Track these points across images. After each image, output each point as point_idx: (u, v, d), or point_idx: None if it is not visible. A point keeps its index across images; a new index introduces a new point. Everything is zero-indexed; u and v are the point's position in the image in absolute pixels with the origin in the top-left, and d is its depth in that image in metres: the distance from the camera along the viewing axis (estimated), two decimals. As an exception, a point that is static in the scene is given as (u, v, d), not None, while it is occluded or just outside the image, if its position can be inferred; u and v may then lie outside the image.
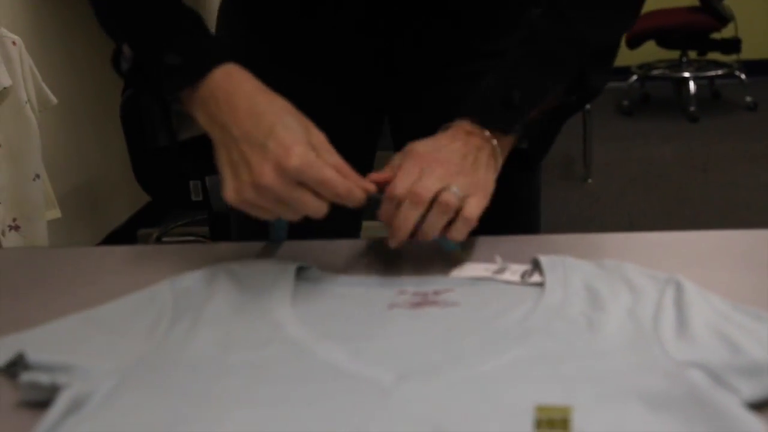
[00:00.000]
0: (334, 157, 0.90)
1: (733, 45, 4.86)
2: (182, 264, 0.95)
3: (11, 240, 2.47)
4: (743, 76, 5.10)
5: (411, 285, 0.89)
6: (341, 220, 1.13)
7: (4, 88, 2.38)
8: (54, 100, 2.60)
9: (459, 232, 0.89)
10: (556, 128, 1.07)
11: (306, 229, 0.95)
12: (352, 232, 1.30)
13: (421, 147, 0.96)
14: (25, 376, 0.71)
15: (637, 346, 0.74)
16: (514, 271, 0.90)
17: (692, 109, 4.88)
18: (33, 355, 0.73)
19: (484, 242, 1.00)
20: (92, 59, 3.18)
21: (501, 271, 0.91)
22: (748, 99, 5.02)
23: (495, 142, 0.98)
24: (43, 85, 2.56)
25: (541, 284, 0.87)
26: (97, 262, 1.05)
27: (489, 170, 0.96)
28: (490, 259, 0.93)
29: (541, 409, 0.64)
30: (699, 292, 0.82)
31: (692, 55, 5.08)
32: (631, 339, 0.75)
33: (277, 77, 1.16)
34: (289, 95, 1.16)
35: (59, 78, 2.84)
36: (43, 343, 0.78)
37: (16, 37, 2.45)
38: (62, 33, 3.01)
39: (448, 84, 1.18)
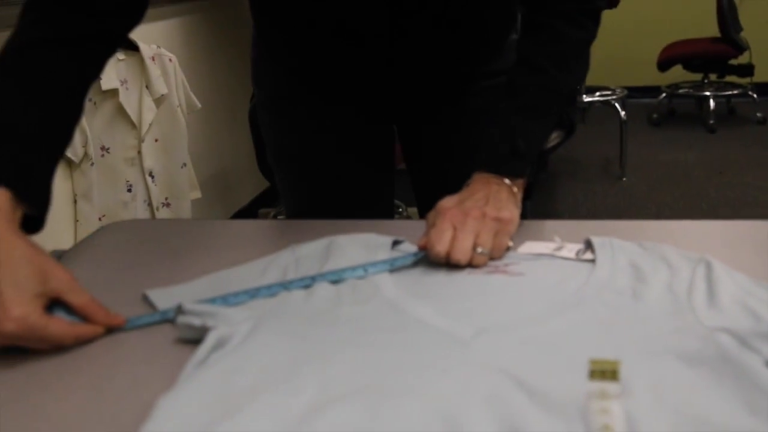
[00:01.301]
0: (79, 296, 0.75)
1: (747, 70, 4.80)
2: (291, 236, 0.96)
3: (163, 214, 2.53)
4: (755, 96, 5.02)
5: None
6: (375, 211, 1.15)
7: (161, 95, 2.43)
8: (198, 105, 2.65)
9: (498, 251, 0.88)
10: (545, 163, 1.05)
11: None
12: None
13: (449, 203, 0.91)
14: (181, 319, 0.73)
15: (674, 314, 0.73)
16: (570, 249, 0.89)
17: (711, 122, 4.82)
18: (188, 305, 0.75)
19: (544, 225, 0.99)
20: (229, 74, 3.23)
21: (559, 248, 0.90)
22: (759, 115, 4.96)
23: (508, 181, 0.96)
24: (191, 93, 2.61)
25: (592, 261, 0.85)
26: (230, 232, 1.06)
27: (510, 205, 0.94)
28: (550, 239, 0.92)
29: (594, 362, 0.63)
30: (725, 269, 0.80)
31: (712, 77, 5.03)
32: (669, 308, 0.75)
33: (306, 102, 1.17)
34: (317, 116, 1.17)
35: (203, 88, 2.89)
36: (194, 295, 0.80)
37: (171, 55, 2.50)
38: (207, 52, 3.07)
39: (454, 100, 1.16)
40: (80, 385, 0.67)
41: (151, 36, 2.64)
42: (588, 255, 0.87)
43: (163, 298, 0.81)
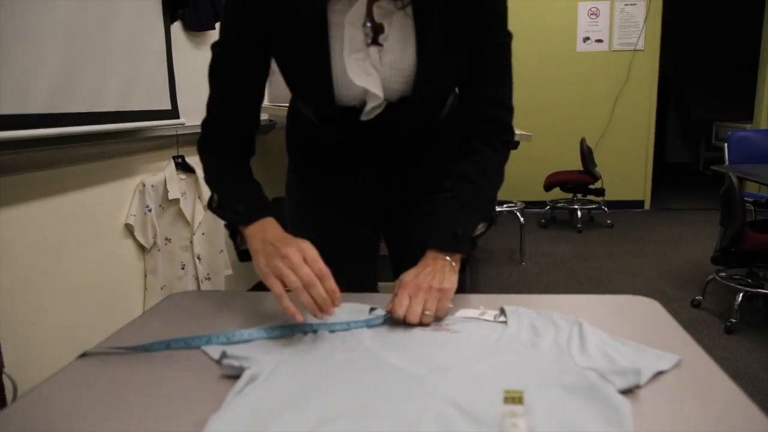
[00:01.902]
0: (319, 264, 0.83)
1: (600, 192, 4.89)
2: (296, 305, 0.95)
3: (205, 285, 2.49)
4: (606, 209, 5.08)
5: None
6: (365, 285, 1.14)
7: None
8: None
9: (441, 312, 0.87)
10: (475, 245, 1.03)
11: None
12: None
13: (407, 277, 0.91)
14: (225, 362, 0.73)
15: (559, 358, 0.74)
16: (490, 314, 0.90)
17: (579, 225, 4.85)
18: (229, 351, 0.74)
19: (470, 298, 0.99)
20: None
21: (483, 313, 0.90)
22: (609, 221, 4.99)
23: (449, 258, 0.95)
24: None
25: (505, 322, 0.86)
26: (253, 301, 1.03)
27: (451, 276, 0.93)
28: (476, 307, 0.92)
29: (506, 391, 0.63)
30: (591, 328, 0.81)
31: (579, 196, 5.07)
32: (555, 354, 0.75)
33: (316, 213, 1.18)
34: (321, 221, 1.17)
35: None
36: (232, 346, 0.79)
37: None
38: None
39: (422, 209, 1.15)
40: (152, 408, 0.66)
41: (203, 163, 2.68)
42: (502, 318, 0.88)
43: (213, 347, 0.79)
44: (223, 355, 0.74)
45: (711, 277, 3.10)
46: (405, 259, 0.97)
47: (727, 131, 4.16)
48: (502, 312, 0.89)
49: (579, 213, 4.98)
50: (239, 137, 1.04)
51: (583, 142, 4.83)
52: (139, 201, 2.13)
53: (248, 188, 1.00)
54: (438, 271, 0.92)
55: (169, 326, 0.89)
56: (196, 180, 2.40)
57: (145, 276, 2.22)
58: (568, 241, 4.53)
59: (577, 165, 4.92)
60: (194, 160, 2.48)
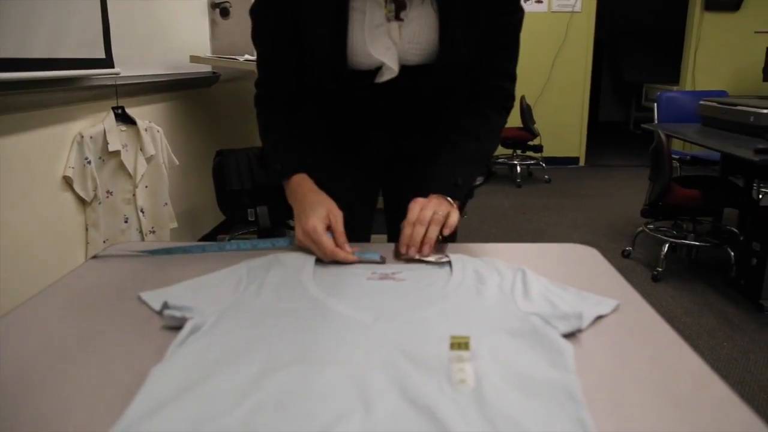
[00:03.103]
0: (338, 226, 0.91)
1: (539, 148, 4.97)
2: (241, 256, 0.92)
3: (149, 239, 2.40)
4: (544, 165, 5.18)
5: (378, 269, 0.86)
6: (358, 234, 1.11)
7: (151, 155, 2.32)
8: (177, 162, 2.55)
9: (448, 232, 0.92)
10: (471, 195, 1.11)
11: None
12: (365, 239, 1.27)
13: (415, 200, 0.96)
14: (167, 312, 0.69)
15: (503, 304, 0.73)
16: (433, 257, 0.89)
17: (518, 180, 4.93)
18: (171, 302, 0.70)
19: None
20: (197, 141, 3.14)
21: (426, 255, 0.90)
22: (546, 177, 5.08)
23: (450, 200, 0.99)
24: (171, 154, 2.51)
25: (448, 263, 0.86)
26: (201, 255, 0.99)
27: (453, 210, 0.97)
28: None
29: (453, 337, 0.62)
30: (534, 274, 0.81)
31: (518, 152, 5.14)
32: (498, 300, 0.74)
33: (327, 158, 1.17)
34: (334, 168, 1.16)
35: (180, 150, 2.78)
36: (175, 296, 0.75)
37: (159, 128, 2.40)
38: (183, 126, 2.96)
39: (422, 161, 1.15)
40: (92, 360, 0.62)
41: (144, 114, 2.54)
42: (444, 259, 0.87)
43: (153, 298, 0.75)
44: (165, 305, 0.69)
45: (640, 229, 3.21)
46: (400, 210, 0.98)
47: (656, 92, 4.26)
48: (447, 256, 0.88)
49: (518, 168, 5.05)
50: (286, 95, 1.07)
51: (522, 99, 4.86)
52: (77, 153, 2.00)
53: (286, 147, 1.05)
54: (438, 205, 0.96)
55: (110, 277, 0.84)
56: (138, 132, 2.27)
57: (87, 230, 2.10)
58: (508, 195, 4.60)
59: (516, 122, 4.95)
60: (135, 111, 2.34)
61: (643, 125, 3.32)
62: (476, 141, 1.05)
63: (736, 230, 3.05)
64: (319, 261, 0.88)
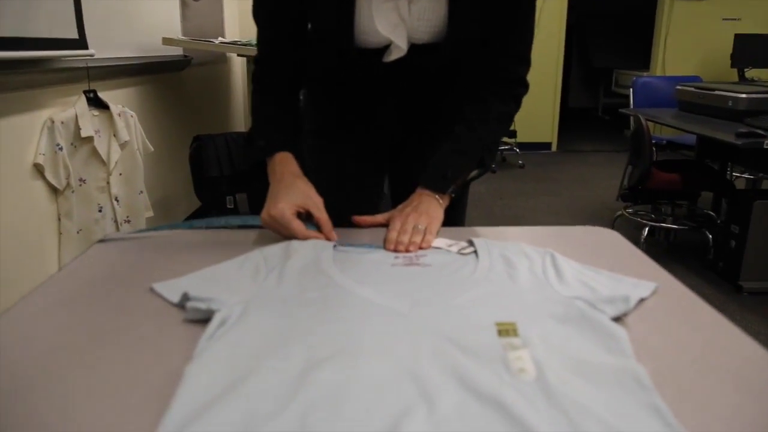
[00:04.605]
0: (322, 213, 0.88)
1: (513, 134, 5.00)
2: (249, 242, 0.88)
3: (125, 229, 2.31)
4: (518, 150, 5.22)
5: (400, 253, 0.83)
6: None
7: (125, 141, 2.23)
8: (151, 148, 2.45)
9: (427, 242, 0.87)
10: (467, 186, 1.09)
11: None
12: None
13: (400, 208, 0.95)
14: (190, 305, 0.64)
15: (539, 289, 0.70)
16: (456, 247, 0.85)
17: (493, 166, 4.93)
18: (192, 293, 0.66)
19: (444, 231, 0.94)
20: (171, 127, 3.05)
21: (450, 245, 0.86)
22: (520, 162, 5.12)
23: (437, 196, 0.97)
24: (146, 140, 2.42)
25: (474, 253, 0.82)
26: (196, 239, 0.95)
27: (436, 210, 0.95)
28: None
29: (498, 323, 0.60)
30: (563, 258, 0.78)
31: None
32: (533, 284, 0.71)
33: (327, 146, 1.14)
34: (332, 154, 1.13)
35: (154, 136, 2.69)
36: (191, 286, 0.69)
37: (132, 113, 2.30)
38: (157, 112, 2.86)
39: (423, 143, 1.12)
40: (112, 358, 0.57)
41: (117, 99, 2.43)
42: (468, 249, 0.84)
43: (167, 289, 0.71)
44: (185, 297, 0.65)
45: (619, 213, 3.25)
46: (405, 198, 0.96)
47: (626, 78, 4.30)
48: (471, 243, 0.85)
49: (493, 154, 5.05)
50: (284, 75, 1.03)
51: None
52: (48, 138, 1.90)
53: (276, 126, 1.00)
54: (422, 203, 0.94)
55: (108, 270, 0.78)
56: (111, 117, 2.17)
57: (59, 220, 2.01)
58: (484, 180, 4.61)
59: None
60: (108, 95, 2.24)
61: (620, 110, 3.35)
62: (470, 130, 1.00)
63: (712, 213, 3.12)
64: (336, 247, 0.84)
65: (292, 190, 0.89)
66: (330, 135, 1.15)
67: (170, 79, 3.03)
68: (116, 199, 2.24)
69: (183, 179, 3.18)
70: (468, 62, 1.03)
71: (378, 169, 1.21)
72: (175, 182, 3.11)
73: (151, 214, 2.47)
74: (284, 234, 0.86)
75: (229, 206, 2.54)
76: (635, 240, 3.00)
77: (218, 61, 3.71)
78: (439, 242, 0.87)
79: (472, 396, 0.49)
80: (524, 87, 1.03)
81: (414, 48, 0.97)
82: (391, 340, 0.58)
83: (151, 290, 0.71)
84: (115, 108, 2.20)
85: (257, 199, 2.57)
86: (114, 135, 2.19)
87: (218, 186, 2.45)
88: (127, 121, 2.27)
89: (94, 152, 2.11)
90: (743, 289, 2.50)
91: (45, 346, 0.58)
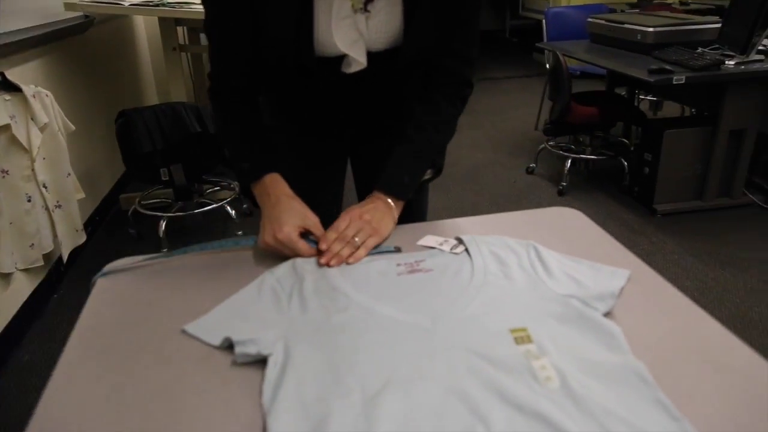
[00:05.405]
0: (319, 231, 0.92)
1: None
2: (248, 262, 0.92)
3: (58, 215, 2.22)
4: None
5: (399, 259, 0.88)
6: (328, 212, 1.10)
7: (44, 123, 2.11)
8: (72, 127, 2.33)
9: (356, 257, 0.89)
10: (421, 188, 1.12)
11: None
12: None
13: (352, 209, 0.97)
14: (239, 350, 0.68)
15: (534, 287, 0.76)
16: (447, 246, 0.91)
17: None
18: (234, 337, 0.70)
19: (418, 226, 1.01)
20: (93, 103, 2.87)
21: (441, 243, 0.91)
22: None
23: (390, 201, 0.99)
24: (66, 119, 2.29)
25: (465, 252, 0.87)
26: (205, 262, 0.95)
27: (386, 217, 0.97)
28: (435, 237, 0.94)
29: (513, 330, 0.68)
30: (544, 249, 0.85)
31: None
32: (528, 282, 0.77)
33: (290, 134, 1.15)
34: (296, 144, 1.16)
35: (75, 114, 2.54)
36: (223, 325, 0.73)
37: (47, 92, 2.16)
38: (75, 87, 2.68)
39: (382, 135, 1.14)
40: (174, 416, 0.61)
41: (27, 76, 2.27)
42: (458, 248, 0.89)
43: (201, 330, 0.73)
44: (227, 341, 0.69)
45: (542, 146, 3.44)
46: (371, 184, 0.98)
47: (533, 1, 4.37)
48: (460, 241, 0.91)
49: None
50: (241, 87, 1.03)
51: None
52: (-37, 133, 1.78)
53: (251, 146, 1.02)
54: (376, 209, 0.97)
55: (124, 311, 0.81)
56: (25, 99, 2.04)
57: (-11, 217, 1.91)
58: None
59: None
60: (18, 77, 2.09)
61: (537, 44, 3.47)
62: (424, 133, 1.03)
63: (625, 140, 3.37)
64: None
65: (293, 212, 0.93)
66: (289, 142, 1.15)
67: (75, 44, 2.82)
68: (44, 186, 2.14)
69: (104, 150, 3.04)
70: (422, 65, 1.06)
71: (338, 164, 1.23)
72: (97, 156, 2.98)
73: (82, 195, 2.39)
74: (289, 255, 0.90)
75: (164, 178, 2.48)
76: (559, 172, 3.21)
77: (120, 16, 3.47)
78: (429, 241, 0.93)
79: (515, 410, 0.57)
80: (470, 87, 1.07)
81: (372, 55, 0.99)
82: (427, 360, 0.64)
83: (184, 332, 0.74)
84: (28, 89, 2.06)
85: (192, 168, 2.52)
86: (31, 118, 2.07)
87: (151, 160, 2.38)
88: (43, 102, 2.13)
89: (13, 140, 1.99)
90: (657, 212, 2.77)
91: (90, 414, 0.62)
